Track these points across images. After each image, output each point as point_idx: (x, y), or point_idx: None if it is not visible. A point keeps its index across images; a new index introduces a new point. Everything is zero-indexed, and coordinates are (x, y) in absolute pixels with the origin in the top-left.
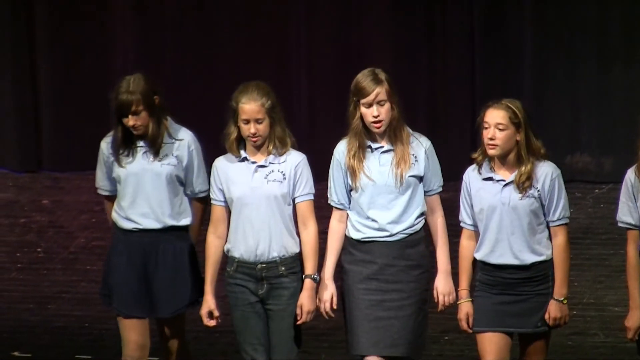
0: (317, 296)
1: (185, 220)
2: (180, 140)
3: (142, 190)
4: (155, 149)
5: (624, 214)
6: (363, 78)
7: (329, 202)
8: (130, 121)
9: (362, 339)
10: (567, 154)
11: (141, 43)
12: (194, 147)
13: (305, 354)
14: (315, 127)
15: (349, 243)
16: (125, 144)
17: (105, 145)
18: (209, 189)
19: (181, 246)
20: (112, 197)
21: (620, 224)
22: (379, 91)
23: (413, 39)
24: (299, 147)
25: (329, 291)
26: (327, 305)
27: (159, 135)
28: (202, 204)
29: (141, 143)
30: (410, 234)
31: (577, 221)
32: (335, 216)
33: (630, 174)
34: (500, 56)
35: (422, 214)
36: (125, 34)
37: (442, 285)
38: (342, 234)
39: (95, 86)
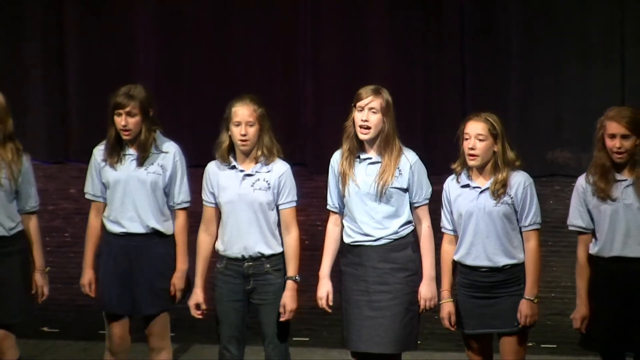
0: (317, 294)
1: (169, 228)
2: (166, 152)
3: (129, 196)
4: (144, 156)
5: (575, 218)
6: (365, 87)
7: (327, 207)
8: (122, 121)
9: (353, 336)
10: (549, 150)
11: (162, 42)
12: (178, 158)
13: (308, 331)
14: (320, 122)
15: (343, 247)
16: (116, 149)
17: (98, 152)
18: (190, 200)
19: (164, 252)
20: (97, 204)
21: (571, 228)
22: (373, 99)
23: (409, 41)
24: (303, 151)
25: (325, 288)
26: (324, 302)
27: (148, 144)
28: (184, 216)
29: (130, 151)
30: (395, 239)
31: (556, 211)
32: (332, 219)
33: (581, 181)
34: (489, 57)
35: (408, 222)
36: (147, 33)
37: (424, 290)
38: (337, 236)
39: (118, 83)
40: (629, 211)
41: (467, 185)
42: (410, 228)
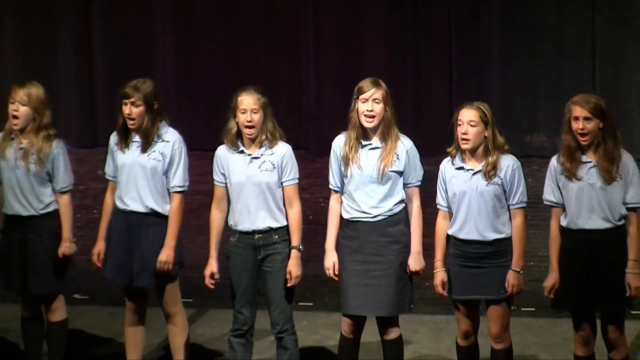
0: (324, 264)
1: (167, 209)
2: (167, 141)
3: (132, 178)
4: (146, 144)
5: (548, 194)
6: (365, 81)
7: (329, 186)
8: (127, 110)
9: (351, 302)
10: (527, 134)
11: (179, 38)
12: (177, 147)
13: (311, 297)
14: (321, 111)
15: (342, 222)
16: (124, 136)
17: (113, 137)
18: (186, 185)
19: (162, 230)
20: (112, 183)
21: (545, 202)
22: (376, 91)
23: (402, 39)
24: (307, 136)
25: (331, 259)
26: (331, 271)
27: (151, 133)
28: (177, 198)
29: (136, 138)
30: (390, 216)
31: (534, 189)
32: (334, 197)
33: (554, 161)
34: (472, 53)
35: (401, 201)
36: (166, 30)
37: (412, 262)
38: (339, 212)
39: (140, 75)
40: (592, 190)
41: (461, 168)
42: (402, 206)
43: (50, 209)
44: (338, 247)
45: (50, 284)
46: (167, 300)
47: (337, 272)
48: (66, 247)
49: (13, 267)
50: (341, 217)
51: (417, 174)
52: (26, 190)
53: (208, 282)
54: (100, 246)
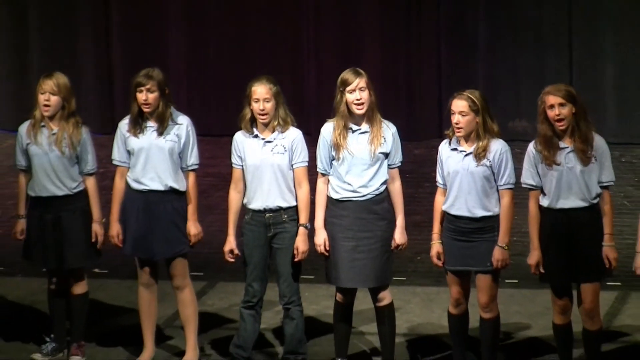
0: (315, 242)
1: (183, 186)
2: (180, 124)
3: (150, 161)
4: (162, 127)
5: (527, 178)
6: (346, 72)
7: (317, 169)
8: (143, 96)
9: (342, 275)
10: (510, 120)
11: (190, 30)
12: (190, 129)
13: (312, 270)
14: (321, 100)
15: (329, 202)
16: (138, 122)
17: (123, 125)
18: (199, 163)
19: (179, 205)
20: (122, 168)
21: (524, 185)
22: (360, 80)
23: (395, 34)
24: (308, 122)
25: (321, 237)
26: (322, 247)
27: (165, 117)
28: (193, 176)
29: (150, 124)
30: (376, 195)
31: (517, 170)
32: (321, 180)
33: (531, 147)
34: (460, 46)
35: (385, 181)
36: (179, 26)
37: (398, 237)
38: (326, 193)
39: (154, 63)
40: (571, 173)
41: (455, 149)
42: (385, 185)
43: (81, 187)
44: (327, 226)
45: (84, 258)
46: (178, 273)
47: (327, 248)
48: (98, 227)
49: (48, 244)
50: (329, 197)
51: (399, 155)
52: (60, 172)
53: (228, 257)
54: (117, 228)
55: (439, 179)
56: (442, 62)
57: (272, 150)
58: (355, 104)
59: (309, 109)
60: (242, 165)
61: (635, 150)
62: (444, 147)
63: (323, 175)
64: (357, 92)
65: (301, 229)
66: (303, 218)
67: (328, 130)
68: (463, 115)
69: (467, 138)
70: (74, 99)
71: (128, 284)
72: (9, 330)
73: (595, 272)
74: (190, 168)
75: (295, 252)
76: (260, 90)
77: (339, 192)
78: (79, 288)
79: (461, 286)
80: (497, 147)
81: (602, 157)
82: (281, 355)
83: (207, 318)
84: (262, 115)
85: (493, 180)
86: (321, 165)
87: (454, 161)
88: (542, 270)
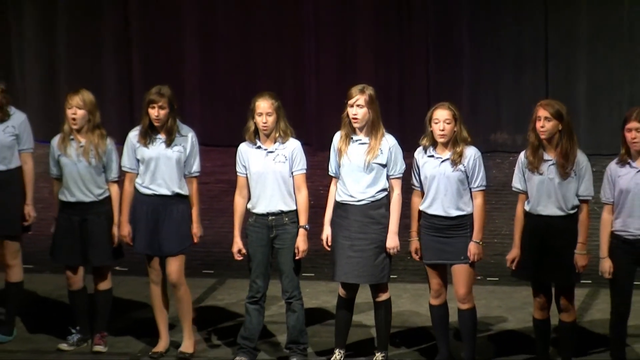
0: (313, 241)
1: (186, 191)
2: (185, 136)
3: (159, 169)
4: (170, 139)
5: (516, 182)
6: (353, 87)
7: (329, 173)
8: (155, 112)
9: (338, 270)
10: (491, 132)
11: (202, 49)
12: (194, 140)
13: (313, 269)
14: (321, 111)
15: (335, 204)
16: (148, 134)
17: (133, 135)
18: (200, 171)
19: (183, 208)
20: (131, 174)
21: (513, 189)
22: (359, 98)
23: (388, 49)
24: (309, 133)
25: (325, 232)
26: (324, 242)
27: (173, 130)
28: (195, 182)
29: (159, 135)
30: (373, 201)
31: (497, 179)
32: (333, 182)
33: (522, 155)
34: (447, 64)
35: (383, 190)
36: (192, 45)
37: (389, 242)
38: (335, 194)
39: (170, 78)
40: (551, 183)
41: (432, 156)
42: (384, 194)
43: (106, 194)
44: (332, 225)
45: (107, 257)
46: (175, 270)
47: (329, 244)
48: (116, 230)
49: (75, 244)
50: (335, 200)
51: (398, 167)
52: (87, 181)
53: (236, 256)
54: (128, 228)
55: (414, 182)
56: (431, 78)
57: (274, 160)
58: (352, 118)
59: (310, 121)
60: (246, 173)
61: (605, 161)
62: (419, 155)
63: (333, 177)
64: (354, 107)
65: (301, 230)
66: (303, 220)
67: (336, 138)
68: (447, 123)
69: (446, 144)
70: (99, 112)
71: (146, 280)
72: (38, 322)
73: (567, 275)
74: (193, 175)
75: (296, 251)
76: (263, 105)
77: (341, 195)
78: (104, 284)
79: (439, 277)
80: (471, 152)
81: (581, 172)
82: (284, 345)
83: (217, 312)
84: (265, 127)
85: (466, 183)
86: (331, 169)
87: (430, 167)
88: (513, 267)
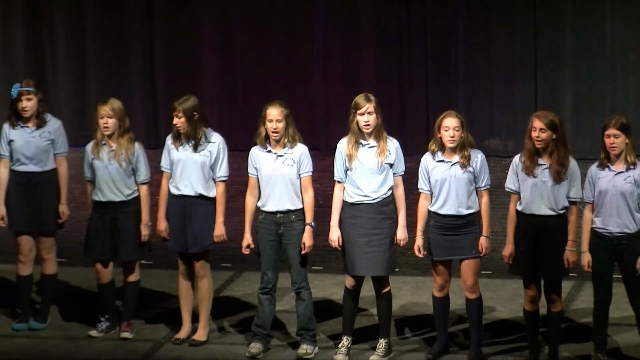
0: (330, 238)
1: (212, 194)
2: (214, 142)
3: (185, 171)
4: (194, 144)
5: (509, 183)
6: (359, 97)
7: (334, 178)
8: (175, 120)
9: (357, 265)
10: (485, 138)
11: (221, 63)
12: (221, 146)
13: (321, 262)
14: (329, 119)
15: (345, 205)
16: (178, 138)
17: (168, 139)
18: (227, 175)
19: (207, 209)
20: (167, 174)
21: (506, 189)
22: (369, 105)
23: (389, 63)
24: (318, 139)
25: (335, 234)
26: (335, 243)
27: (194, 136)
28: (222, 186)
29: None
30: (384, 199)
31: (490, 181)
32: (338, 187)
33: (516, 158)
34: (444, 74)
35: (391, 187)
36: (211, 59)
37: (400, 234)
38: (341, 198)
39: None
40: (544, 186)
41: (442, 161)
42: (391, 191)
43: (135, 194)
44: (342, 226)
45: (136, 252)
46: (199, 265)
47: (340, 244)
48: (143, 228)
49: (106, 240)
50: (344, 202)
51: (401, 166)
52: (118, 182)
53: (245, 250)
54: (165, 224)
55: (422, 185)
56: (429, 89)
57: (283, 163)
58: (364, 125)
59: (319, 128)
60: (257, 175)
61: (590, 165)
62: (427, 160)
63: (339, 182)
64: (365, 115)
65: (307, 227)
66: (309, 218)
67: (343, 144)
68: (457, 130)
69: (454, 149)
70: (127, 119)
71: (170, 273)
72: (70, 311)
73: (557, 270)
74: (219, 179)
75: (302, 246)
76: (274, 112)
77: (353, 196)
78: (133, 277)
79: (446, 273)
80: (477, 155)
81: (572, 176)
82: (295, 332)
83: (234, 302)
84: (275, 133)
85: (474, 183)
86: (337, 174)
87: (440, 170)
88: (510, 262)
